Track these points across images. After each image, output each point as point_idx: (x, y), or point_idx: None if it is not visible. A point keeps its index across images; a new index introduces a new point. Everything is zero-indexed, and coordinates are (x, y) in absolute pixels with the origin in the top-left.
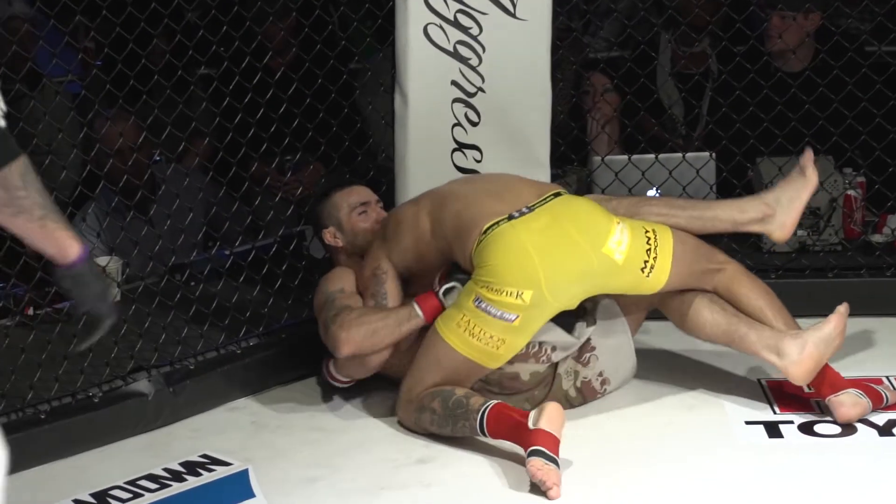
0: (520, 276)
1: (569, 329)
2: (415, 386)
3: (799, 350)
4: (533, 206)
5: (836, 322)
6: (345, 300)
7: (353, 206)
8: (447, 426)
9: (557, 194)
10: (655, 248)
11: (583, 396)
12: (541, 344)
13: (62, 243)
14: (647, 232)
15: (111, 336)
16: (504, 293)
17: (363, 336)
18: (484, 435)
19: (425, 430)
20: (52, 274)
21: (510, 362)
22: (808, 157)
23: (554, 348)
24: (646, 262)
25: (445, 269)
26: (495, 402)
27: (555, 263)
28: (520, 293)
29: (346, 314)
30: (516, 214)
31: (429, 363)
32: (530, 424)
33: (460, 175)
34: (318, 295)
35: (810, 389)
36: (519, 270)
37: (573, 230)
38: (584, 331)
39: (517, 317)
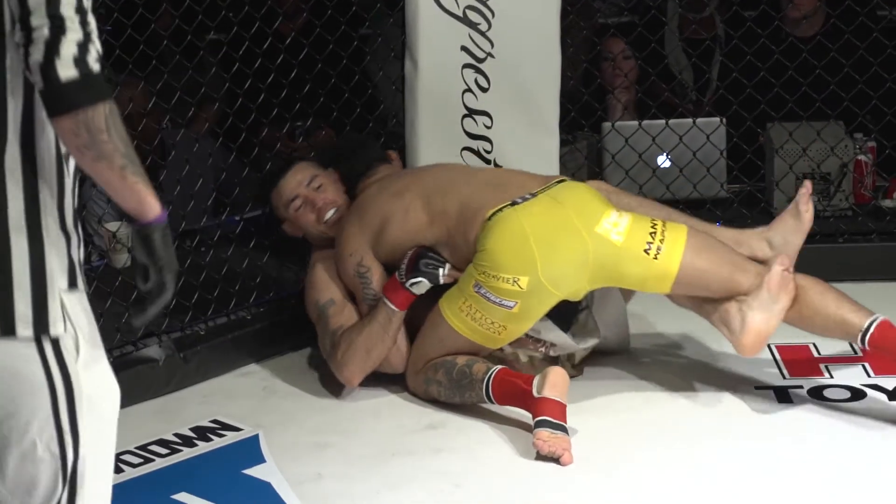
0: (515, 261)
1: (571, 330)
2: (419, 360)
3: (740, 321)
4: (536, 192)
5: (772, 283)
6: (338, 318)
7: (286, 205)
8: (455, 396)
9: (562, 181)
10: (662, 233)
11: (580, 371)
12: (542, 340)
13: (142, 197)
14: (653, 221)
15: (121, 302)
16: (500, 279)
17: (361, 362)
18: (491, 402)
19: (435, 400)
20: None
21: (510, 344)
22: (806, 191)
23: (553, 345)
24: (649, 244)
25: (413, 253)
26: (498, 367)
27: (552, 249)
28: (516, 279)
29: (339, 349)
30: (519, 200)
31: (432, 342)
32: (534, 392)
33: (469, 140)
34: (309, 305)
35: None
36: (514, 256)
37: (572, 213)
38: (588, 340)
39: (516, 304)
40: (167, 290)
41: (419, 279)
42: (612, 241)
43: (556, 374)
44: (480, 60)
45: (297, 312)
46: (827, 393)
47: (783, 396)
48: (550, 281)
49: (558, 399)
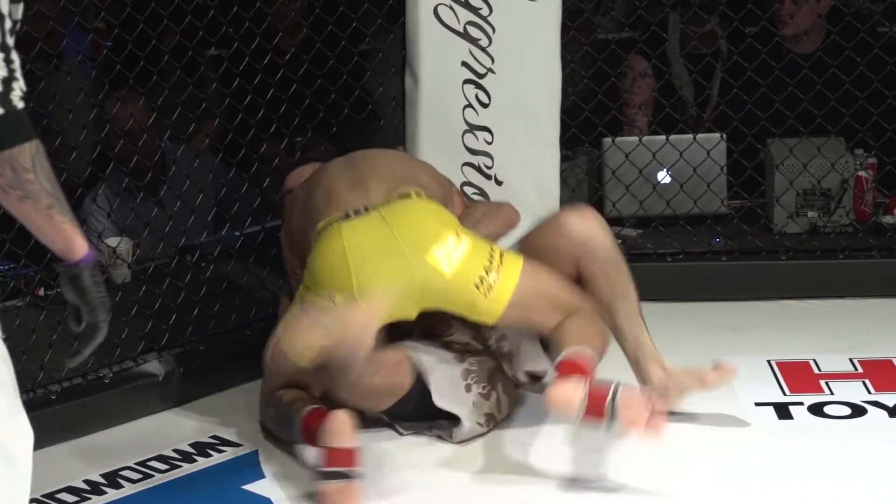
0: (332, 278)
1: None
2: (263, 395)
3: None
4: (370, 206)
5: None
6: None
7: (298, 178)
8: (284, 433)
9: (405, 196)
10: (497, 270)
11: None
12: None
13: (68, 237)
14: (491, 251)
15: (122, 317)
16: (319, 295)
17: None
18: (302, 441)
19: (276, 437)
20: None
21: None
22: (729, 372)
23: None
24: (482, 279)
25: None
26: (309, 408)
27: (369, 269)
28: (332, 296)
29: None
30: (351, 214)
31: (271, 370)
32: (319, 441)
33: (470, 156)
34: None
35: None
36: (331, 272)
37: (399, 235)
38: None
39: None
40: (100, 330)
41: None
42: (442, 271)
43: (336, 422)
44: (481, 76)
45: None
46: (827, 409)
47: (783, 413)
48: (364, 299)
49: (343, 446)
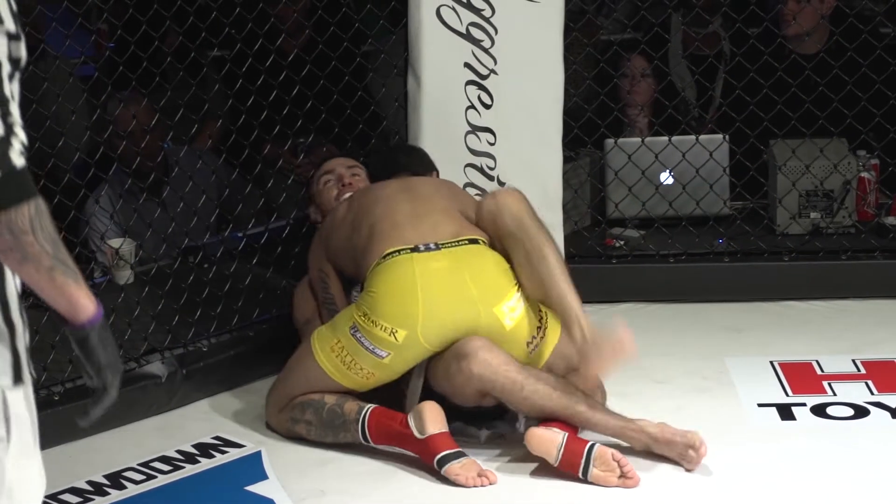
0: (398, 312)
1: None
2: (282, 398)
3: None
4: (441, 244)
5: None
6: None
7: (320, 176)
8: (328, 436)
9: (474, 241)
10: (544, 331)
11: None
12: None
13: (73, 300)
14: (541, 313)
15: (125, 318)
16: (379, 326)
17: None
18: (367, 442)
19: (301, 438)
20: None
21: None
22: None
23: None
24: (533, 338)
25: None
26: (372, 407)
27: (438, 309)
28: (394, 331)
29: None
30: (421, 248)
31: (297, 379)
32: (417, 434)
33: (472, 157)
34: (295, 309)
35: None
36: (399, 306)
37: (470, 281)
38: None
39: (388, 354)
40: (109, 393)
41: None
42: (504, 324)
43: (431, 410)
44: (484, 77)
45: None
46: (830, 410)
47: (786, 414)
48: (427, 339)
49: (443, 431)
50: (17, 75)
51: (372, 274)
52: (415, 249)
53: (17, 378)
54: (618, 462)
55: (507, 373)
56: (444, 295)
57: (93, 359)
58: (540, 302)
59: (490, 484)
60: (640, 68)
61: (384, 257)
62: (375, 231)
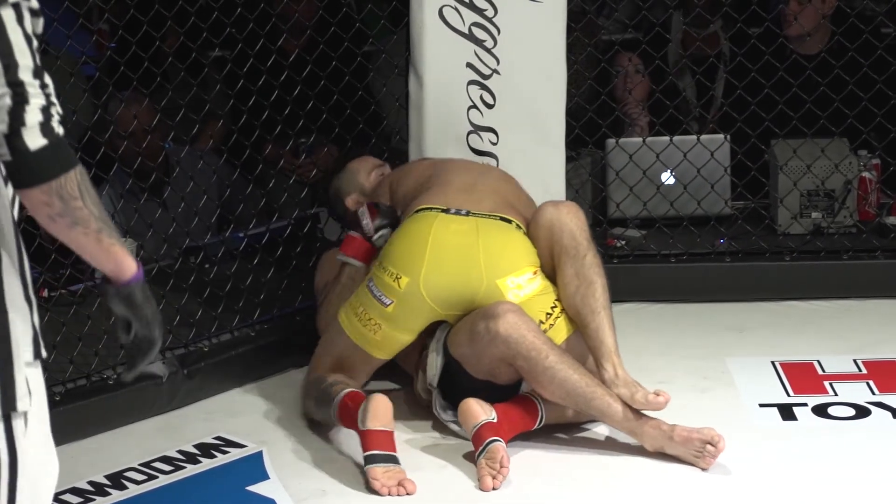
0: (404, 260)
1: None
2: (312, 370)
3: None
4: (472, 213)
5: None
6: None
7: (371, 169)
8: (318, 413)
9: (507, 220)
10: (554, 322)
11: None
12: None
13: (119, 259)
14: (555, 304)
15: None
16: (387, 272)
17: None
18: (337, 423)
19: (311, 417)
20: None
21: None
22: (658, 404)
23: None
24: (540, 322)
25: (368, 208)
26: (348, 390)
27: (442, 265)
28: (398, 276)
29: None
30: (452, 211)
31: (324, 342)
32: (360, 424)
33: (475, 157)
34: (317, 284)
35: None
36: (406, 254)
37: (482, 249)
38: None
39: (391, 302)
40: (156, 344)
41: (384, 230)
42: (507, 298)
43: (378, 404)
44: (486, 77)
45: (302, 329)
46: (831, 410)
47: (787, 414)
48: (427, 291)
49: (383, 429)
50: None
51: (400, 224)
52: (445, 211)
53: (37, 353)
54: (500, 464)
55: (534, 339)
56: (452, 254)
57: (141, 312)
58: (576, 321)
59: (406, 494)
60: (634, 65)
61: (416, 212)
62: (429, 188)
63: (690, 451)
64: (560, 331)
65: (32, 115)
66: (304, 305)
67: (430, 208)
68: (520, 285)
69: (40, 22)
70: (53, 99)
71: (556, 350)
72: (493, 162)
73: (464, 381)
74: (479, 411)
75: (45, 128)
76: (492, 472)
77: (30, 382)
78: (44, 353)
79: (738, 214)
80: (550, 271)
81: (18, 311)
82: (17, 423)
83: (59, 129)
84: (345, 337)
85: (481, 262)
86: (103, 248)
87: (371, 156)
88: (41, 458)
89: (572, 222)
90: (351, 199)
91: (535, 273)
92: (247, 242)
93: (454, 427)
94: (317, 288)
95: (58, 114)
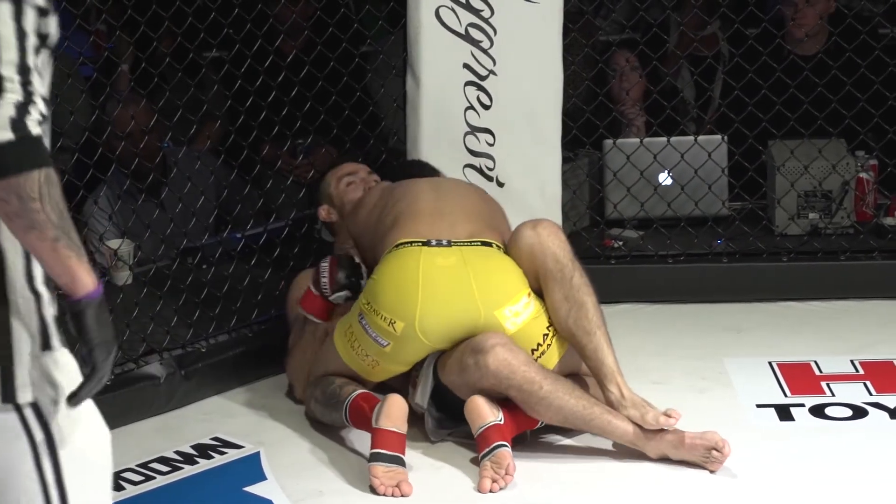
0: (397, 304)
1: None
2: (310, 375)
3: None
4: (453, 242)
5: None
6: (299, 334)
7: (340, 178)
8: (325, 415)
9: (488, 244)
10: (547, 348)
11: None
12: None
13: (74, 272)
14: (548, 328)
15: (123, 319)
16: (379, 316)
17: (298, 372)
18: (348, 424)
19: (316, 419)
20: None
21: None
22: (669, 423)
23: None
24: (539, 345)
25: (330, 264)
26: (359, 391)
27: (437, 305)
28: (392, 321)
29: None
30: (433, 243)
31: (320, 360)
32: (373, 421)
33: (471, 158)
34: (289, 302)
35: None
36: (397, 298)
37: (474, 281)
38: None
39: (389, 344)
40: (99, 372)
41: (342, 293)
42: (506, 328)
43: (394, 405)
44: (483, 78)
45: None
46: (829, 411)
47: (784, 414)
48: (424, 334)
49: (394, 429)
50: (46, 51)
51: (381, 261)
52: (426, 243)
53: (46, 344)
54: (505, 470)
55: (525, 372)
56: (445, 292)
57: (86, 335)
58: (571, 343)
59: (402, 496)
60: (631, 63)
61: (396, 247)
62: (397, 221)
63: (697, 456)
64: (554, 353)
65: (4, 109)
66: None
67: (411, 242)
68: (517, 312)
69: (49, 21)
70: (37, 98)
71: (549, 378)
72: (489, 163)
73: (455, 399)
74: (487, 412)
75: (17, 124)
76: (495, 476)
77: (48, 371)
78: (55, 344)
79: (736, 215)
80: (537, 289)
81: (21, 303)
82: (45, 405)
83: (35, 129)
84: (341, 361)
85: (476, 296)
86: (59, 258)
87: (351, 162)
88: (83, 432)
89: (553, 244)
90: (322, 209)
91: (528, 296)
92: (244, 243)
93: (449, 440)
94: (289, 305)
95: (39, 113)
